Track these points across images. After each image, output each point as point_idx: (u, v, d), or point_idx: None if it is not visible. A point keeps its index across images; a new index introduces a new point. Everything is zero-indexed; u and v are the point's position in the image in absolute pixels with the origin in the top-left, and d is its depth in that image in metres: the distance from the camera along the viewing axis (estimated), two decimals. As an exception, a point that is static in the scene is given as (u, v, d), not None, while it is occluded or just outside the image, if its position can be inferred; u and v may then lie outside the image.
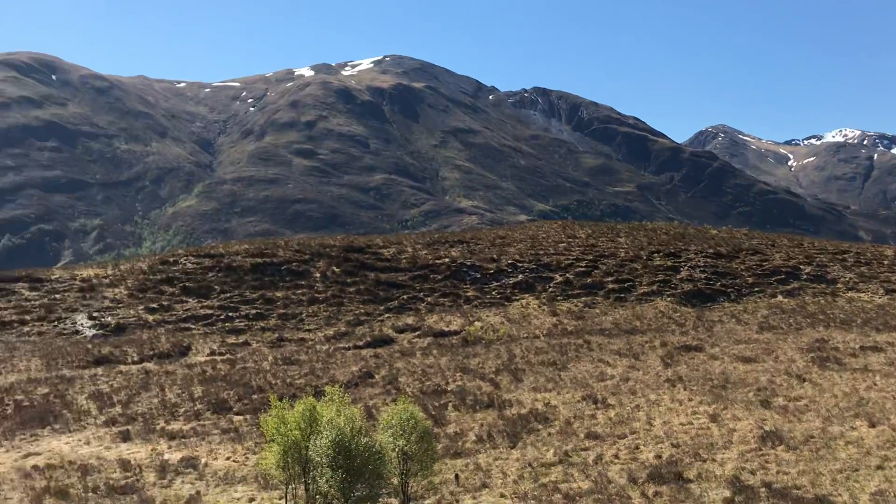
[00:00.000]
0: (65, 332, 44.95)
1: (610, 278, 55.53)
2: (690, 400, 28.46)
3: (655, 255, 60.66)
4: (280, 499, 20.94)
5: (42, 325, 45.84)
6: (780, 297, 52.19)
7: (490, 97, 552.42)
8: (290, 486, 20.07)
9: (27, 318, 46.67)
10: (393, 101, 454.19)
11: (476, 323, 46.19)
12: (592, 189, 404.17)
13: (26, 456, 25.01)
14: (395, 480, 20.09)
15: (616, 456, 23.54)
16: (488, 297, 52.65)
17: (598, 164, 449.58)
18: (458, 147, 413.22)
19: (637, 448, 24.08)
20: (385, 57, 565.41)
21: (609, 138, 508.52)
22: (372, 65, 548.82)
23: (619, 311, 49.59)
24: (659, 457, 23.07)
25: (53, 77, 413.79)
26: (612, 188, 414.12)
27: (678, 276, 55.89)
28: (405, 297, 51.85)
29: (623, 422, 26.54)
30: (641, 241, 65.62)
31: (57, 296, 50.32)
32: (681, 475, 21.47)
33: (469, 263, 57.82)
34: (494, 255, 59.84)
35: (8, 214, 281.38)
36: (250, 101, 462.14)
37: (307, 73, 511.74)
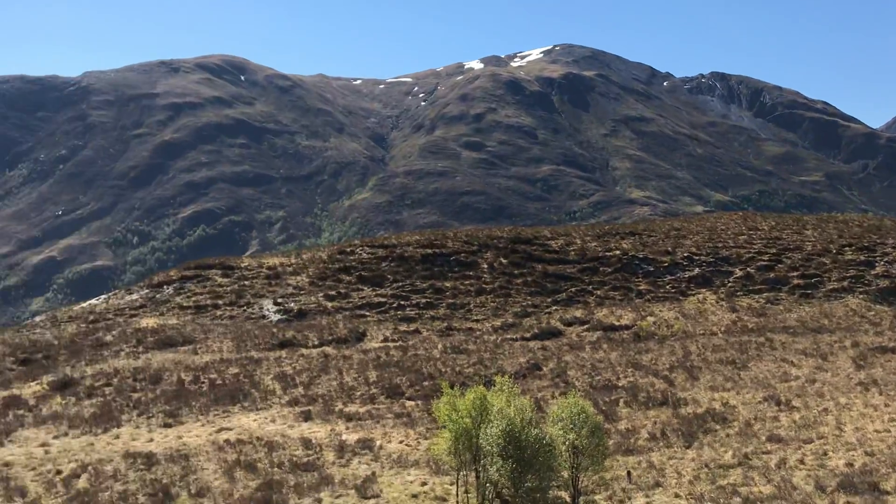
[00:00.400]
0: (253, 316, 48.29)
1: (795, 273, 52.21)
2: (887, 405, 26.26)
3: (846, 248, 56.34)
4: (451, 484, 21.44)
5: (233, 309, 49.51)
6: None
7: (664, 84, 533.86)
8: (462, 473, 20.50)
9: (220, 302, 50.59)
10: (562, 90, 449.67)
11: (648, 318, 44.94)
12: (776, 178, 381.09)
13: (219, 431, 27.15)
14: (566, 474, 20.01)
15: (801, 461, 22.16)
16: (662, 291, 51.05)
17: (781, 151, 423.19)
18: (629, 136, 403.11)
19: (825, 454, 22.54)
20: (555, 46, 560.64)
21: (794, 124, 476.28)
22: (541, 55, 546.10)
23: (804, 309, 46.52)
24: (850, 465, 21.48)
25: (242, 78, 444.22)
26: (798, 177, 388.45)
27: (872, 272, 51.61)
28: (573, 289, 51.32)
29: (809, 426, 24.93)
30: (831, 234, 61.15)
31: (246, 282, 54.12)
32: (877, 486, 19.88)
33: (641, 256, 56.31)
34: (669, 248, 57.90)
35: (202, 207, 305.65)
36: (421, 95, 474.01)
37: (476, 66, 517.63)
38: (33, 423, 28.73)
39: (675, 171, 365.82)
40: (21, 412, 30.43)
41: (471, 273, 53.61)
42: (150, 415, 29.11)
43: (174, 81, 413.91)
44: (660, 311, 46.63)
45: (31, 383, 35.19)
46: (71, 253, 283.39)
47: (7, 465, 23.70)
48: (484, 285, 51.64)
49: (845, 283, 50.14)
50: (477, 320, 46.50)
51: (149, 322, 46.80)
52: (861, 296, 48.29)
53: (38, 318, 62.46)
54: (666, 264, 54.71)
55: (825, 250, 56.12)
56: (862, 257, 54.36)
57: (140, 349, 40.22)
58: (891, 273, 51.11)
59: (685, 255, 56.12)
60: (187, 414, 29.11)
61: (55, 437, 26.79)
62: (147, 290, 55.78)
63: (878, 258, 53.93)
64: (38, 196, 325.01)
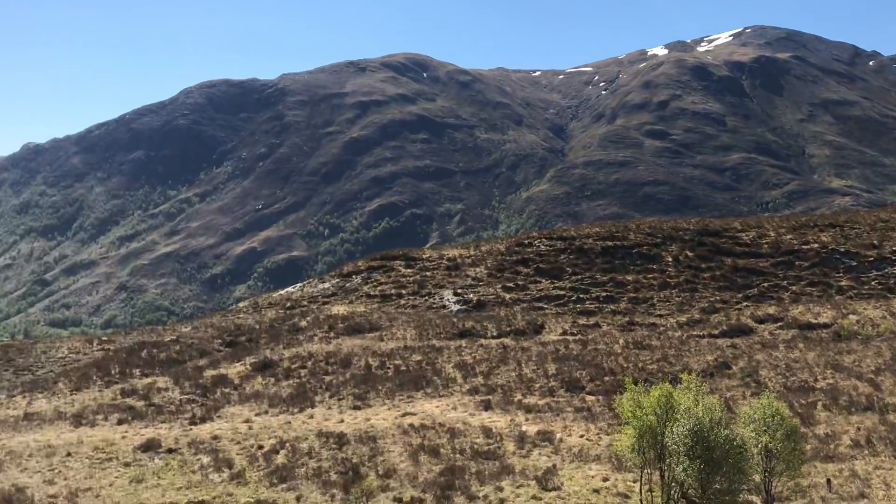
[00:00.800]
0: (433, 305, 49.65)
1: None
2: None
3: None
4: (634, 482, 20.98)
5: (415, 298, 51.16)
6: None
7: (870, 63, 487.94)
8: (645, 471, 19.99)
9: (403, 292, 52.45)
10: (753, 74, 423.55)
11: (851, 316, 41.55)
12: None
13: (404, 415, 28.18)
14: (757, 478, 18.99)
15: None
16: (866, 287, 47.05)
17: None
18: (828, 121, 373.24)
19: None
20: (745, 29, 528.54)
21: None
22: (730, 38, 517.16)
23: None
24: None
25: (424, 74, 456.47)
26: None
27: None
28: (766, 284, 48.45)
29: None
30: None
31: (427, 273, 55.72)
32: None
33: (842, 250, 52.16)
34: (875, 241, 53.24)
35: (386, 200, 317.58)
36: (602, 84, 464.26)
37: (660, 52, 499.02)
38: (238, 401, 31.22)
39: (882, 158, 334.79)
40: (227, 390, 33.17)
41: (654, 266, 52.01)
42: (341, 397, 30.72)
43: (361, 81, 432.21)
44: (863, 309, 42.95)
45: (236, 364, 38.23)
46: (269, 244, 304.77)
47: (216, 438, 25.91)
48: (668, 279, 49.94)
49: None
50: (660, 315, 45.07)
51: (339, 309, 49.36)
52: None
53: (241, 304, 67.77)
54: (871, 259, 50.33)
55: None
56: None
57: (331, 335, 42.53)
58: None
59: (894, 248, 51.35)
60: (374, 397, 30.46)
61: (257, 415, 28.97)
62: (337, 280, 58.84)
63: None
64: (241, 191, 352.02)
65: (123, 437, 26.87)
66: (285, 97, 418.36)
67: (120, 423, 29.50)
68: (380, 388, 31.49)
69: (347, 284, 56.65)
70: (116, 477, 22.76)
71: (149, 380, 37.14)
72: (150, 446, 25.16)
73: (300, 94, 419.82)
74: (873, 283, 47.56)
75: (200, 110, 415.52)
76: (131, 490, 21.64)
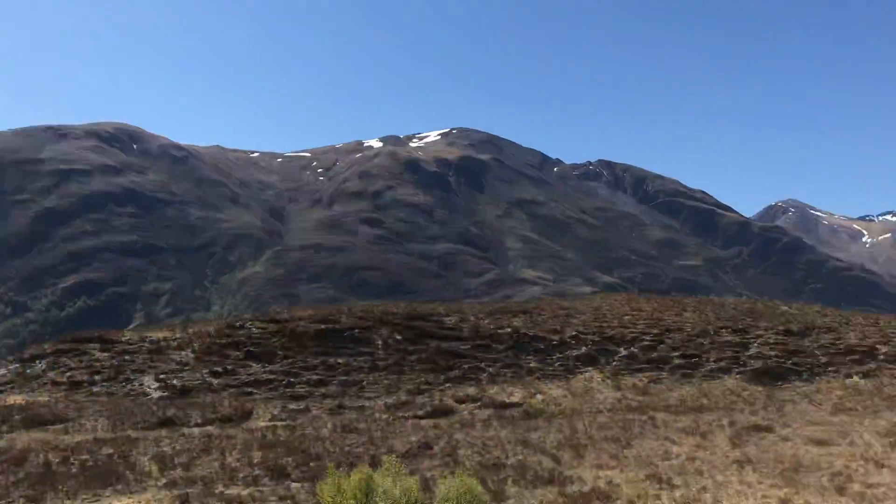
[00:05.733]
0: (132, 392, 45.96)
1: (676, 353, 48.00)
2: (760, 483, 24.45)
3: (723, 330, 52.26)
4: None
5: (111, 385, 46.44)
6: (855, 378, 44.86)
7: (555, 169, 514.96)
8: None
9: (97, 378, 47.01)
10: (459, 172, 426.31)
11: (538, 395, 42.12)
12: (658, 262, 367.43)
13: (88, 518, 26.76)
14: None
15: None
16: (550, 368, 47.11)
17: (664, 237, 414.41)
18: (522, 217, 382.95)
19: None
20: (452, 129, 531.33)
21: (675, 211, 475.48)
22: (439, 137, 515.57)
23: (685, 388, 42.76)
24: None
25: (134, 146, 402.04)
26: (678, 261, 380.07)
27: (747, 353, 47.80)
28: (466, 366, 47.38)
29: (689, 503, 23.10)
30: (709, 316, 56.83)
31: (127, 357, 50.74)
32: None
33: (531, 334, 52.40)
34: (557, 327, 54.14)
35: (84, 277, 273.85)
36: (320, 171, 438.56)
37: (376, 144, 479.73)
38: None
39: (564, 253, 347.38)
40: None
41: (365, 349, 50.02)
42: (10, 500, 28.25)
43: (62, 147, 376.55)
44: (549, 388, 42.59)
45: None
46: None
47: None
48: (378, 362, 48.41)
49: (723, 364, 46.15)
50: (369, 397, 43.99)
51: (16, 399, 44.45)
52: (737, 376, 44.73)
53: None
54: (555, 343, 50.45)
55: (704, 332, 52.05)
56: (737, 339, 50.53)
57: (4, 428, 37.50)
58: (763, 354, 47.54)
59: (573, 334, 51.87)
60: (52, 498, 28.65)
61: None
62: (16, 365, 51.86)
63: (751, 340, 50.53)
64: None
65: None
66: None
67: None
68: (61, 487, 29.69)
69: (28, 371, 51.07)
70: None
71: None
72: None
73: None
74: (556, 364, 47.28)
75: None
76: None
